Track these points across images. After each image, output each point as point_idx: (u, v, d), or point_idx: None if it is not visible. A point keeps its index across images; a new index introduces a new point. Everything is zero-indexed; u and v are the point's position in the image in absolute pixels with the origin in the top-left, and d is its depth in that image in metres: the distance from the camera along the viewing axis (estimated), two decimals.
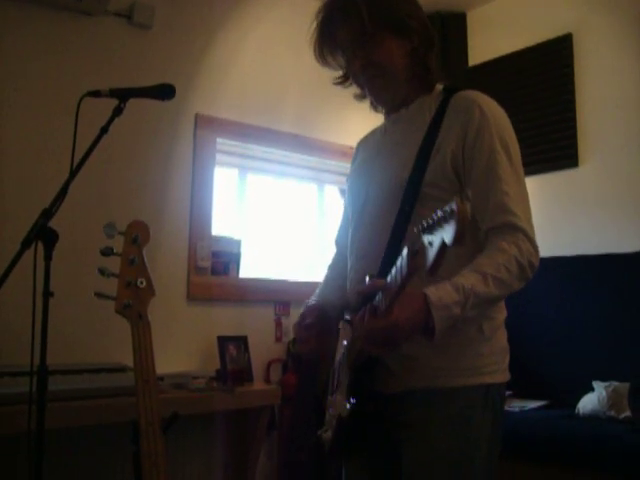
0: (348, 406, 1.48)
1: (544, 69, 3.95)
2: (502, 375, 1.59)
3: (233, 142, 3.89)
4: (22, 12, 3.15)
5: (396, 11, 1.63)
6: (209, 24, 3.80)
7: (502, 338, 1.62)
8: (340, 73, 1.80)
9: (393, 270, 1.25)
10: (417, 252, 1.11)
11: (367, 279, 1.40)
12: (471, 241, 1.50)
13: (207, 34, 3.80)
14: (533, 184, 4.06)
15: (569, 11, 3.94)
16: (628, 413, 2.88)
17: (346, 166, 4.27)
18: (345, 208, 1.93)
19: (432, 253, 1.05)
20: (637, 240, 3.43)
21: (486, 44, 4.37)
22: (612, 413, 2.95)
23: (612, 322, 3.30)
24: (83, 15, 3.32)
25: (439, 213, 1.02)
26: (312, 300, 1.83)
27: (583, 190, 3.73)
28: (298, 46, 4.17)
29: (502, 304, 1.63)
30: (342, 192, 4.00)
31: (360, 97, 1.82)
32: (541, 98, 3.87)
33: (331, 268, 1.97)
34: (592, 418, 3.00)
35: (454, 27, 4.46)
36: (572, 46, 3.88)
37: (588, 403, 3.06)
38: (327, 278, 1.95)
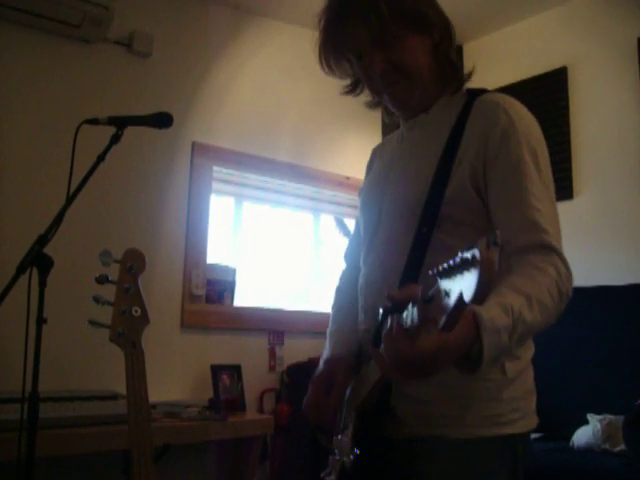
0: (352, 457, 1.33)
1: (539, 102, 3.98)
2: (527, 422, 1.40)
3: (229, 170, 3.91)
4: (22, 38, 3.18)
5: (415, 3, 1.43)
6: (207, 53, 3.84)
7: (528, 379, 1.43)
8: (345, 81, 1.61)
9: (404, 313, 1.02)
10: (431, 299, 0.92)
11: (383, 304, 1.20)
12: None
13: (205, 63, 3.83)
14: None
15: (564, 44, 3.99)
16: (623, 447, 2.86)
17: (342, 196, 4.34)
18: (357, 222, 1.73)
19: (448, 306, 0.86)
20: (631, 273, 3.44)
21: (482, 76, 4.38)
22: (607, 446, 2.93)
23: (606, 354, 3.29)
24: (83, 42, 3.35)
25: (459, 258, 0.84)
26: (327, 352, 1.60)
27: (578, 222, 3.74)
28: (295, 76, 4.24)
29: (530, 340, 1.43)
30: (337, 221, 4.00)
31: (372, 105, 1.63)
32: None
33: (340, 292, 1.75)
34: (586, 451, 2.98)
35: None
36: (567, 79, 3.93)
37: (583, 436, 3.05)
38: (337, 310, 1.71)
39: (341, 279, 1.78)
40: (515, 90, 4.12)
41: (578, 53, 3.91)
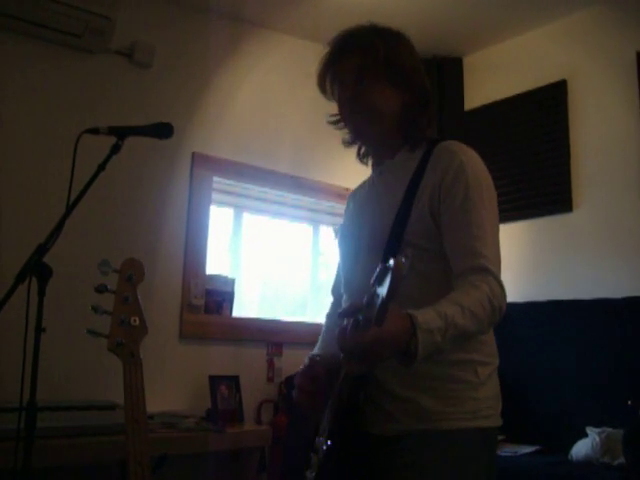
0: (324, 447, 1.47)
1: (539, 114, 3.99)
2: (497, 420, 1.58)
3: (229, 181, 3.91)
4: (24, 48, 3.20)
5: (404, 60, 1.66)
6: (207, 64, 3.85)
7: (496, 384, 1.60)
8: (335, 110, 1.78)
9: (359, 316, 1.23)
10: (371, 304, 1.16)
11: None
12: (444, 281, 1.51)
13: (205, 74, 3.84)
14: (527, 228, 4.09)
15: (563, 58, 4.00)
16: (622, 460, 2.85)
17: (341, 207, 4.28)
18: (339, 258, 1.93)
19: (377, 305, 1.12)
20: (631, 285, 3.43)
21: (482, 89, 4.42)
22: (606, 459, 2.92)
23: (606, 367, 3.28)
24: (85, 52, 3.37)
25: (382, 267, 1.11)
26: (315, 351, 1.79)
27: (577, 235, 3.74)
28: (295, 88, 4.25)
29: (495, 351, 1.61)
30: (337, 232, 4.00)
31: (347, 143, 1.84)
32: (536, 143, 3.89)
33: (329, 318, 1.95)
34: (585, 464, 2.96)
35: (450, 71, 4.51)
36: (566, 92, 3.93)
37: (582, 449, 3.04)
38: (327, 328, 1.90)
39: (330, 308, 2.00)
40: (514, 103, 4.14)
41: (578, 66, 3.92)
